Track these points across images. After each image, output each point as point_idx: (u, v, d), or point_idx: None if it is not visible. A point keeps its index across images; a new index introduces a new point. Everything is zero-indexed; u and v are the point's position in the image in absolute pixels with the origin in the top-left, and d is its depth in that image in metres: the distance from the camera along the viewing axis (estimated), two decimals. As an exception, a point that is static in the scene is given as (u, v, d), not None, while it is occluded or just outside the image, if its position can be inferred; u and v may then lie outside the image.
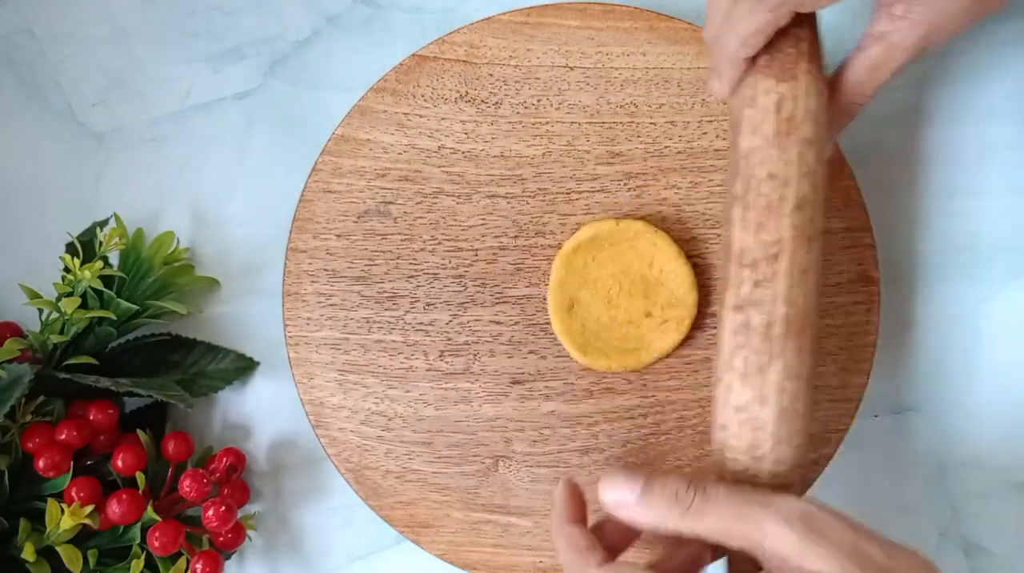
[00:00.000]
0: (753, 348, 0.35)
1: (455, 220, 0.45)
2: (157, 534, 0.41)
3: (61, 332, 0.43)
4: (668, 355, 0.43)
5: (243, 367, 0.47)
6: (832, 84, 0.39)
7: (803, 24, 0.37)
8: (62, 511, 0.40)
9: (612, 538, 0.37)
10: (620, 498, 0.35)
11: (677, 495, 0.34)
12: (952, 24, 0.37)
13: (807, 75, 0.37)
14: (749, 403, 0.35)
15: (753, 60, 0.38)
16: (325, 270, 0.45)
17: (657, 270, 0.43)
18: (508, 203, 0.45)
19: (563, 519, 0.36)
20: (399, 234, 0.45)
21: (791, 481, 0.36)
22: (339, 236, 0.45)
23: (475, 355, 0.44)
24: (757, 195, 0.36)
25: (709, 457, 0.40)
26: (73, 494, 0.41)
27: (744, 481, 0.36)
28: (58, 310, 0.44)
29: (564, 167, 0.45)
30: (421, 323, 0.44)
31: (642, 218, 0.44)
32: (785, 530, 0.32)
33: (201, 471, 0.43)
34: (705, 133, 0.44)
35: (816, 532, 0.32)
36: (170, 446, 0.44)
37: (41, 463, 0.41)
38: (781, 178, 0.36)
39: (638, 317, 0.43)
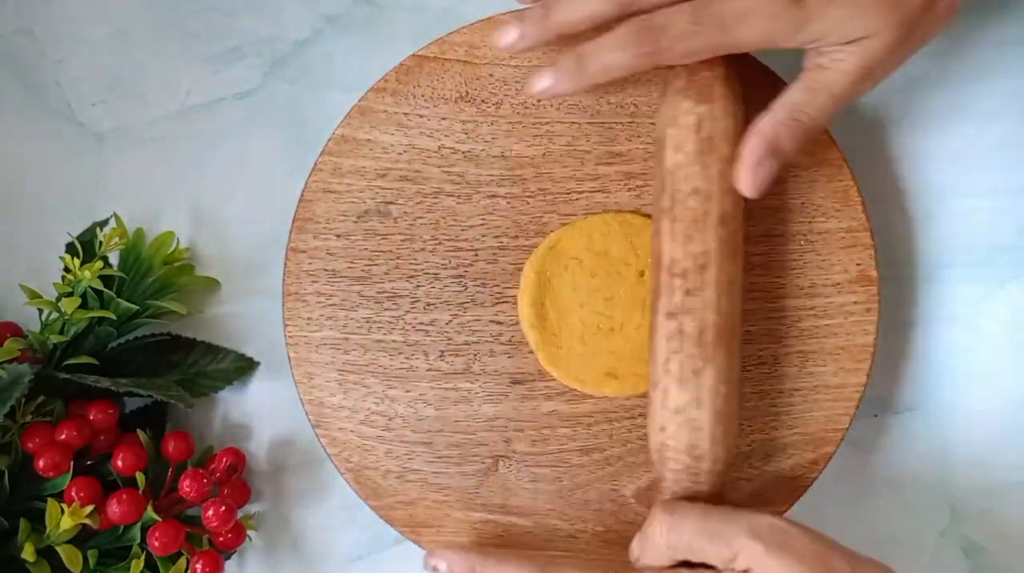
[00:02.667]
0: (688, 353, 0.38)
1: (455, 220, 0.45)
2: (157, 534, 0.41)
3: (61, 332, 0.43)
4: None
5: (243, 367, 0.47)
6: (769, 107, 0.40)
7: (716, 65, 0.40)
8: (62, 511, 0.40)
9: None
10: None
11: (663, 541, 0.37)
12: (889, 59, 0.38)
13: (723, 98, 0.39)
14: (686, 406, 0.38)
15: (673, 81, 0.40)
16: (325, 270, 0.45)
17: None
18: (508, 203, 0.45)
19: None
20: (399, 234, 0.45)
21: (725, 479, 0.39)
22: (339, 236, 0.45)
23: (475, 355, 0.44)
24: (684, 208, 0.39)
25: (649, 457, 0.41)
26: (73, 494, 0.41)
27: (685, 479, 0.39)
28: (58, 310, 0.44)
29: (564, 167, 0.45)
30: (421, 323, 0.44)
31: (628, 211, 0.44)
32: (753, 542, 0.34)
33: (201, 471, 0.43)
34: (705, 133, 0.44)
35: (782, 543, 0.34)
36: (170, 446, 0.44)
37: (41, 463, 0.41)
38: (704, 193, 0.39)
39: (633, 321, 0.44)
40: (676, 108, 0.40)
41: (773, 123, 0.39)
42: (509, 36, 0.41)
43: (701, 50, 0.38)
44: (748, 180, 0.39)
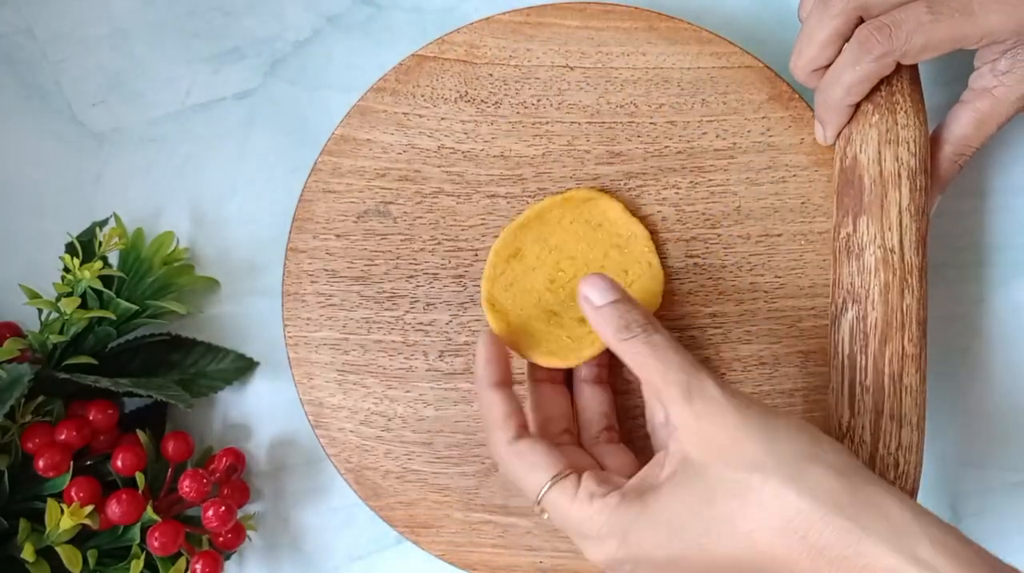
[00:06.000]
0: None
1: (455, 220, 0.45)
2: (157, 534, 0.41)
3: (61, 332, 0.43)
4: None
5: (243, 367, 0.47)
6: (936, 138, 0.40)
7: (903, 74, 0.39)
8: (62, 511, 0.40)
9: (545, 408, 0.40)
10: (590, 295, 0.37)
11: (628, 325, 0.36)
12: None
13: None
14: None
15: (857, 107, 0.39)
16: (325, 270, 0.45)
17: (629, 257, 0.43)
18: (508, 203, 0.45)
19: (484, 381, 0.38)
20: (399, 234, 0.45)
21: None
22: (339, 236, 0.45)
23: (475, 355, 0.44)
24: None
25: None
26: (73, 494, 0.41)
27: None
28: (58, 310, 0.44)
29: (564, 167, 0.45)
30: (421, 323, 0.44)
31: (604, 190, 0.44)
32: (682, 406, 0.34)
33: (201, 471, 0.43)
34: (705, 133, 0.44)
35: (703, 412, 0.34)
36: (170, 446, 0.44)
37: (41, 463, 0.41)
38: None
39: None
40: (864, 135, 0.40)
41: (946, 163, 0.40)
42: (818, 134, 0.42)
43: (941, 42, 0.36)
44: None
